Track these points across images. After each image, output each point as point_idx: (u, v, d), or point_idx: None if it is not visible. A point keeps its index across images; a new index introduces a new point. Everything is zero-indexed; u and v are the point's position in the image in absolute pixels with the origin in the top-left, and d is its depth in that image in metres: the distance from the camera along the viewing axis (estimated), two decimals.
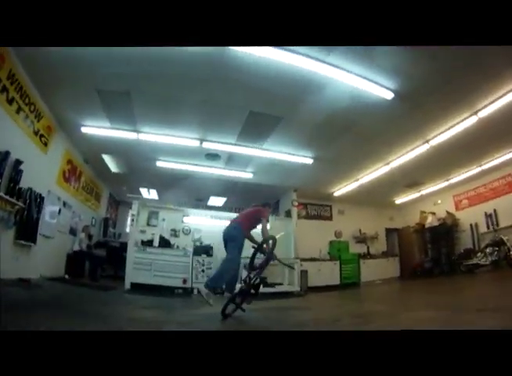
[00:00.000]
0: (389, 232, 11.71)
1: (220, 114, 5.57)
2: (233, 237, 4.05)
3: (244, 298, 3.84)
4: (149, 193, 9.88)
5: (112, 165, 7.97)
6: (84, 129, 5.95)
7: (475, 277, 7.56)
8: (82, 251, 7.20)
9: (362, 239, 10.82)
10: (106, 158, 7.55)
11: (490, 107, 5.56)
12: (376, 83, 4.74)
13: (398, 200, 10.93)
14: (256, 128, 5.99)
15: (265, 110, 5.45)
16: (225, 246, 4.12)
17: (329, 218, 10.91)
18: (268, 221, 4.35)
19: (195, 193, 9.36)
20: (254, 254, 4.14)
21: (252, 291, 3.90)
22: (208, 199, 9.60)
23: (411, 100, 5.30)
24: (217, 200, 9.52)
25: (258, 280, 4.00)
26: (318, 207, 10.75)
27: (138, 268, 6.69)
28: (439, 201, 10.30)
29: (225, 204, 9.68)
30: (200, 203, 9.59)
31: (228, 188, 9.07)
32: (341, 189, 9.59)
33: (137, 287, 6.31)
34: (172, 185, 9.11)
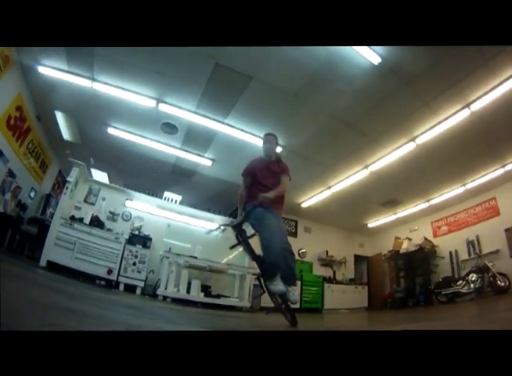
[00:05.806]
0: (358, 259, 10.84)
1: (181, 64, 4.66)
2: None
3: None
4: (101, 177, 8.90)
5: (64, 129, 7.04)
6: (41, 69, 5.20)
7: (458, 307, 6.46)
8: (4, 215, 5.77)
9: (328, 262, 9.75)
10: (59, 117, 6.62)
11: (484, 99, 4.72)
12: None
13: (371, 223, 10.13)
14: (222, 88, 5.10)
15: (233, 65, 4.61)
16: None
17: (294, 234, 9.77)
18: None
19: (148, 185, 8.14)
20: None
21: None
22: (163, 194, 8.51)
23: (399, 74, 4.43)
24: (172, 197, 8.37)
25: None
26: (283, 221, 9.61)
27: (60, 244, 5.57)
28: (416, 227, 9.60)
29: (180, 203, 8.55)
30: None
31: (183, 183, 8.35)
32: (311, 199, 8.55)
33: (55, 269, 5.22)
34: (124, 170, 8.24)
